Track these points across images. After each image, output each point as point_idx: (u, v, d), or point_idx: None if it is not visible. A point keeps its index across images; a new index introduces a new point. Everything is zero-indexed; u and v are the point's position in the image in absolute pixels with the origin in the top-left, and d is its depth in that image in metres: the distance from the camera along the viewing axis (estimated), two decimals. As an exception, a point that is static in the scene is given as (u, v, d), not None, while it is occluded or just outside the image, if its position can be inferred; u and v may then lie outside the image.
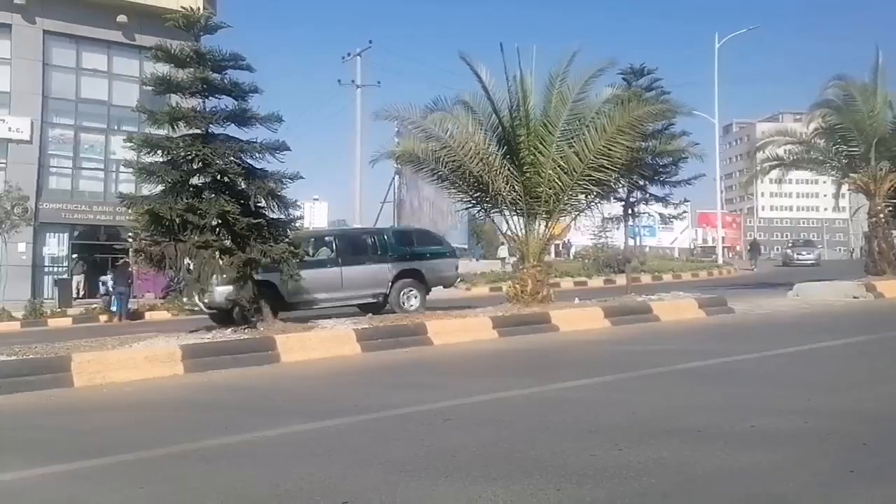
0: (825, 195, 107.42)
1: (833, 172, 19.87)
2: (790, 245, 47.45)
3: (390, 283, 14.88)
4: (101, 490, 4.21)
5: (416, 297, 15.00)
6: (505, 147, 12.71)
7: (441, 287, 16.72)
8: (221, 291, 13.15)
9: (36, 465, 4.71)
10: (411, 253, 15.57)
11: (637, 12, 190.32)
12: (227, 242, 10.64)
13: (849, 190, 20.34)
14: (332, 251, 15.12)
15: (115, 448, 5.05)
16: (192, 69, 10.71)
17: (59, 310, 22.50)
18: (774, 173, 20.73)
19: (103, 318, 21.30)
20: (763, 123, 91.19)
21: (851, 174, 18.59)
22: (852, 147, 18.11)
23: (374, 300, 14.99)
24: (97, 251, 27.70)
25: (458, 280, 17.12)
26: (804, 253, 41.48)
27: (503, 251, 38.80)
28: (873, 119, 17.56)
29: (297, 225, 13.49)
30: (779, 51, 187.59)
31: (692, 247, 55.78)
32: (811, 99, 19.51)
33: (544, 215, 12.80)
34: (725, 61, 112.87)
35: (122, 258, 20.81)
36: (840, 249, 75.34)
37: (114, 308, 21.29)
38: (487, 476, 3.93)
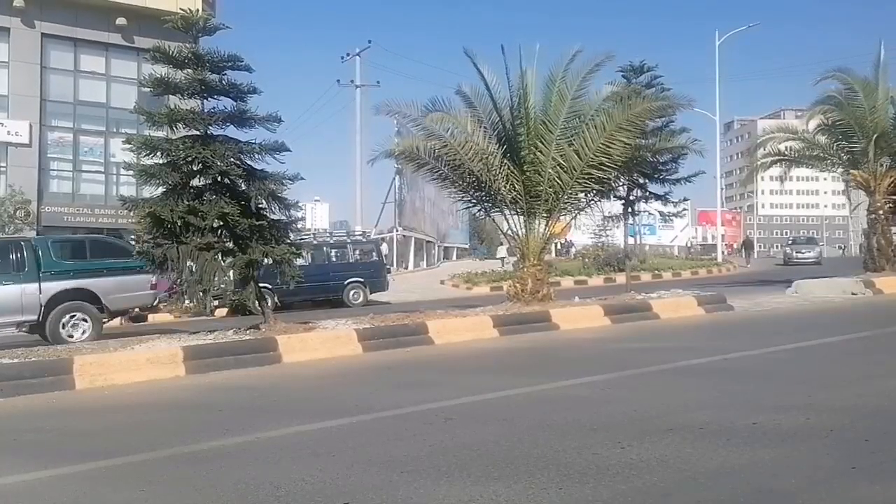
0: (825, 192, 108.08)
1: (834, 169, 19.87)
2: (790, 242, 45.79)
3: (42, 308, 12.14)
4: (103, 492, 4.22)
5: (86, 325, 12.34)
6: (505, 146, 12.71)
7: (134, 311, 14.47)
8: None
9: (38, 467, 4.72)
10: (78, 269, 12.71)
11: (637, 12, 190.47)
12: (229, 244, 10.66)
13: (848, 186, 20.35)
14: None
15: (116, 450, 5.06)
16: (190, 70, 10.71)
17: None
18: (776, 171, 20.73)
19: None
20: (764, 120, 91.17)
21: (852, 171, 18.59)
22: (853, 143, 18.09)
23: (19, 329, 12.64)
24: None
25: (157, 301, 14.59)
26: (805, 251, 39.95)
27: (502, 251, 38.85)
28: (875, 115, 17.56)
29: (298, 226, 13.43)
30: (780, 48, 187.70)
31: (689, 244, 55.78)
32: (813, 96, 19.53)
33: (544, 214, 12.81)
34: (726, 59, 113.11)
35: None
36: (838, 246, 75.28)
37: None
38: (489, 475, 3.93)
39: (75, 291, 12.45)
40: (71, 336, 12.10)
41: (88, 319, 12.40)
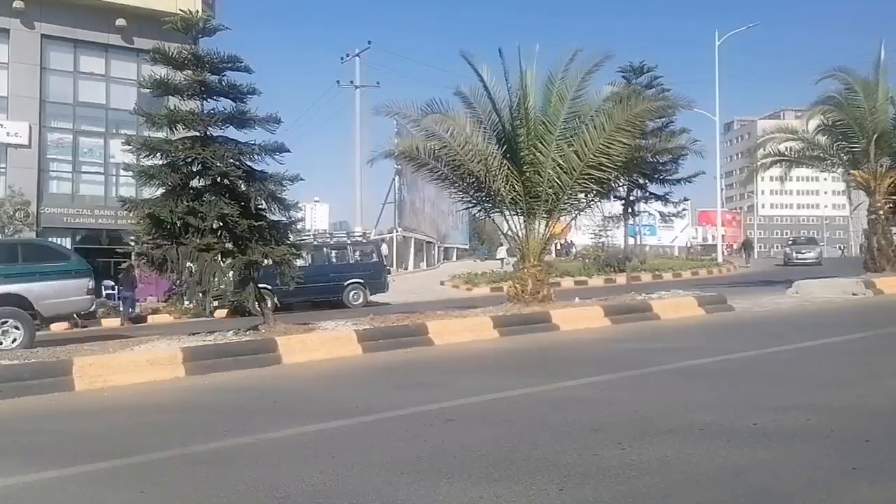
0: (825, 193, 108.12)
1: (834, 169, 19.85)
2: (790, 243, 44.12)
3: None
4: (102, 494, 4.21)
5: (17, 332, 11.79)
6: (505, 146, 12.72)
7: (70, 317, 13.76)
8: None
9: (38, 469, 4.72)
10: (9, 273, 12.20)
11: (637, 13, 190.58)
12: (229, 245, 10.66)
13: (849, 187, 20.34)
14: None
15: (116, 452, 5.05)
16: (189, 71, 10.72)
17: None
18: (777, 171, 20.72)
19: (106, 321, 21.32)
20: (764, 121, 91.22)
21: (852, 171, 18.58)
22: (853, 143, 18.08)
23: None
24: (99, 255, 27.67)
25: (93, 306, 13.79)
26: (805, 251, 38.66)
27: (501, 251, 38.83)
28: (875, 115, 17.54)
29: (298, 227, 13.43)
30: (780, 48, 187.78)
31: (688, 245, 55.77)
32: (813, 96, 19.52)
33: (544, 215, 12.81)
34: (726, 59, 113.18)
35: (126, 262, 20.80)
36: (838, 247, 75.19)
37: (134, 312, 21.42)
38: (490, 476, 3.93)
39: (5, 297, 11.97)
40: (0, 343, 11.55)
41: (20, 326, 11.88)
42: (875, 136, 17.35)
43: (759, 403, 5.43)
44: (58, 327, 16.78)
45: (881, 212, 17.97)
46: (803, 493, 3.49)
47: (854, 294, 14.52)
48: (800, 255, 37.98)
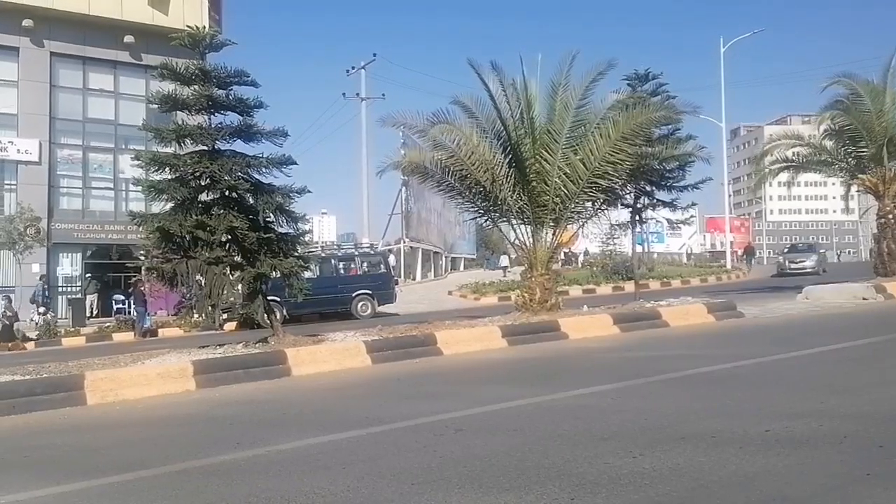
0: (834, 197, 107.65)
1: (841, 174, 19.78)
2: (786, 250, 38.92)
3: None
4: (115, 507, 4.22)
5: None
6: (510, 156, 12.74)
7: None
8: None
9: (50, 483, 4.73)
10: None
11: (643, 23, 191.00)
12: (238, 258, 10.72)
13: (857, 191, 20.25)
14: None
15: (128, 465, 5.07)
16: (197, 86, 10.82)
17: (73, 329, 22.66)
18: (784, 176, 20.66)
19: (116, 336, 21.43)
20: (771, 126, 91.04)
21: (860, 175, 18.51)
22: (861, 148, 18.02)
23: None
24: (110, 270, 27.88)
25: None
26: (800, 259, 34.27)
27: (504, 260, 38.85)
28: (882, 119, 17.48)
29: (306, 239, 13.49)
30: (785, 53, 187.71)
31: (688, 251, 55.63)
32: (819, 101, 19.45)
33: (551, 223, 12.82)
34: (732, 65, 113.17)
35: (135, 276, 20.94)
36: (848, 251, 74.49)
37: (146, 325, 21.57)
38: (500, 486, 3.92)
39: None
40: None
41: None
42: (886, 140, 17.27)
43: (771, 410, 5.39)
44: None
45: (891, 216, 17.87)
46: (817, 499, 3.47)
47: (865, 299, 14.42)
48: (794, 265, 33.69)
